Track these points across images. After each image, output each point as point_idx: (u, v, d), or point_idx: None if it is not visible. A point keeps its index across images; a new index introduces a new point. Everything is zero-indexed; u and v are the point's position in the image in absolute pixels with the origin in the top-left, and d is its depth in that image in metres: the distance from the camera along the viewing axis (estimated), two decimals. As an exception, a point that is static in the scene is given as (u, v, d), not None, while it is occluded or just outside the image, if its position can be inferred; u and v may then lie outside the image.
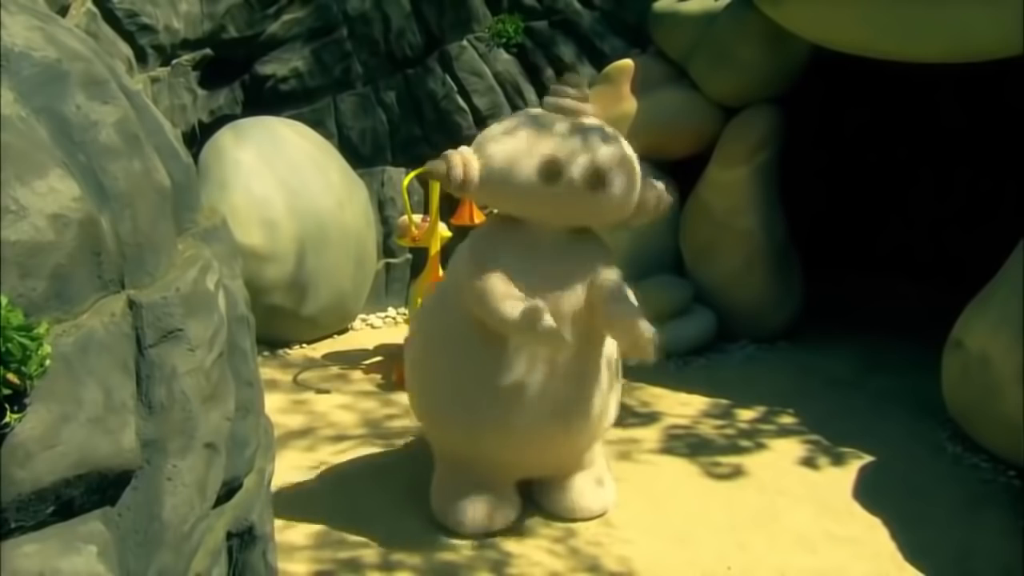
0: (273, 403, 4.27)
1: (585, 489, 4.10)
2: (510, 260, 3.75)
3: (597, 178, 3.71)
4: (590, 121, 3.87)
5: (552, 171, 3.67)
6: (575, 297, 3.78)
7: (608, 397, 4.00)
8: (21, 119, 1.94)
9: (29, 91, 2.03)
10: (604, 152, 3.75)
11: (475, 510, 3.90)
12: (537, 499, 4.14)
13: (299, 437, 4.91)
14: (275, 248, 5.99)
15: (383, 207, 7.11)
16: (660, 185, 3.97)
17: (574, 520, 4.07)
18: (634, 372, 5.76)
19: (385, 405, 5.34)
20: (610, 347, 4.00)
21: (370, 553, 3.81)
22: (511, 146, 3.74)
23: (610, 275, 3.83)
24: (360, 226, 6.55)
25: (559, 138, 3.74)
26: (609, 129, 3.93)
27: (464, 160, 3.74)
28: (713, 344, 6.12)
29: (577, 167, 3.69)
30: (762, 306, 6.19)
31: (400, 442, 4.83)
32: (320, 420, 5.15)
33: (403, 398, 5.37)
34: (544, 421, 3.81)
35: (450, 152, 3.77)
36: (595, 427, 3.99)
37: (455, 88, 7.07)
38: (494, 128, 3.89)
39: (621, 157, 3.81)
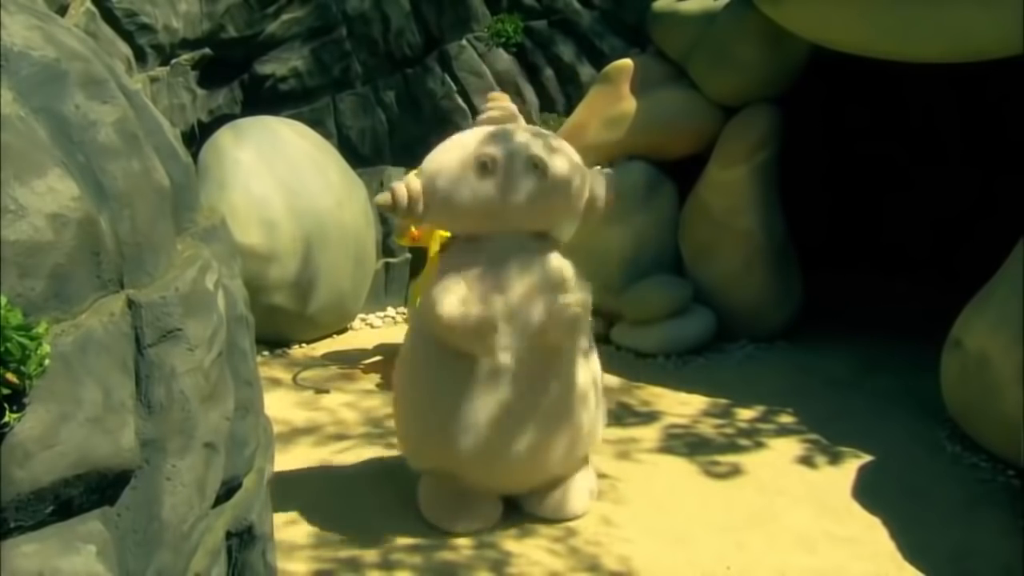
0: (273, 403, 4.26)
1: (565, 492, 4.10)
2: (472, 279, 3.78)
3: (534, 165, 3.75)
4: (521, 125, 4.02)
5: (485, 164, 3.72)
6: (536, 314, 3.80)
7: (586, 417, 4.00)
8: (20, 119, 1.94)
9: (28, 91, 2.03)
10: (538, 144, 3.84)
11: (459, 515, 3.97)
12: (518, 501, 4.14)
13: (299, 437, 4.91)
14: (274, 248, 5.99)
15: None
16: (608, 173, 4.06)
17: (558, 520, 4.07)
18: (634, 371, 5.79)
19: (385, 404, 5.33)
20: (590, 366, 4.04)
21: (370, 553, 3.81)
22: (447, 159, 3.82)
23: (569, 299, 3.82)
24: (359, 226, 6.55)
25: (491, 141, 3.82)
26: (543, 130, 4.11)
27: (407, 185, 3.80)
28: (712, 344, 6.12)
29: (513, 158, 3.76)
30: (761, 306, 6.19)
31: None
32: (320, 420, 5.15)
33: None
34: (522, 447, 3.85)
35: (394, 183, 3.88)
36: (575, 447, 4.02)
37: (454, 88, 7.07)
38: (433, 152, 3.94)
39: (556, 147, 3.88)
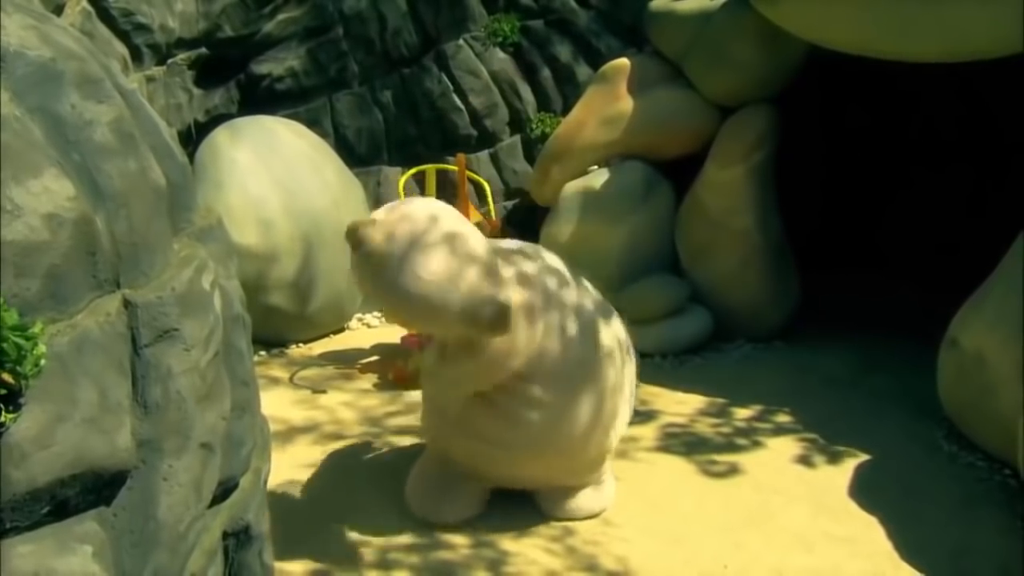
0: (270, 402, 4.26)
1: (577, 491, 4.10)
2: None
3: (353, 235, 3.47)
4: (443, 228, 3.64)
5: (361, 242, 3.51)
6: None
7: (589, 432, 3.92)
8: (16, 118, 1.94)
9: (24, 90, 2.02)
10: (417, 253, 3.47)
11: (443, 503, 4.03)
12: (531, 495, 4.16)
13: (296, 436, 4.91)
14: (271, 248, 5.98)
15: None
16: (500, 301, 3.45)
17: (565, 519, 4.07)
18: (631, 371, 5.79)
19: (382, 404, 5.34)
20: (613, 380, 4.04)
21: (368, 552, 3.81)
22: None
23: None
24: (356, 225, 6.53)
25: (390, 233, 3.58)
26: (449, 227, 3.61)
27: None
28: (709, 343, 6.12)
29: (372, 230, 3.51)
30: (758, 305, 6.19)
31: (398, 441, 4.83)
32: (317, 419, 5.15)
33: (402, 397, 5.39)
34: (518, 452, 3.88)
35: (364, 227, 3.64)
36: (576, 460, 3.99)
37: (451, 87, 7.07)
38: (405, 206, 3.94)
39: (440, 265, 3.43)
